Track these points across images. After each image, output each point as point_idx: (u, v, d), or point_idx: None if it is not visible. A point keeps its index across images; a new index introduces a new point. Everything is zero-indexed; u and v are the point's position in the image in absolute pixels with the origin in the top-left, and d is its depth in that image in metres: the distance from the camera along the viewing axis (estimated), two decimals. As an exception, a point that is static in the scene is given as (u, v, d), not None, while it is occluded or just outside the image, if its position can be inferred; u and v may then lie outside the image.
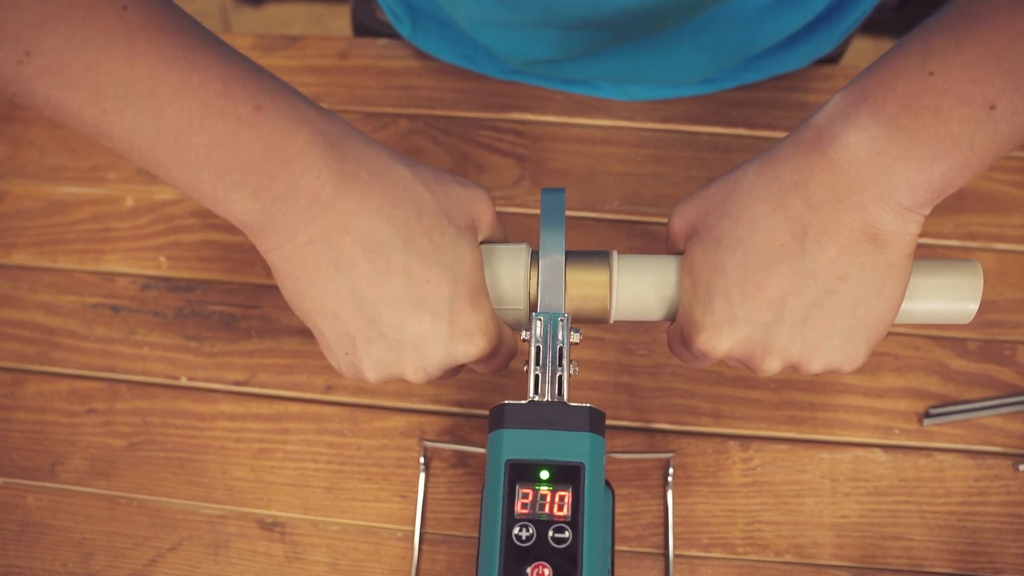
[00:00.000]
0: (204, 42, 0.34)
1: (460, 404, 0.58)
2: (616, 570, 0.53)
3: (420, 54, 0.70)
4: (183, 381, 0.60)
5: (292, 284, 0.37)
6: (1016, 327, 0.59)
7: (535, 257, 0.43)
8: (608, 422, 0.57)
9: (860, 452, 0.56)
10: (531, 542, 0.38)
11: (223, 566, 0.55)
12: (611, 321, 0.43)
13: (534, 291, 0.42)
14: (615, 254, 0.42)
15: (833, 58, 0.70)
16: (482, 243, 0.42)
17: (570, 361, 0.41)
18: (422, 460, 0.56)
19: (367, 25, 0.73)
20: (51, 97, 0.32)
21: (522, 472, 0.39)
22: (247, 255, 0.64)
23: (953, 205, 0.62)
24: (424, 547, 0.55)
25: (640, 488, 0.55)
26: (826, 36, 0.62)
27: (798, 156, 0.36)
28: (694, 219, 0.40)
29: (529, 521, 0.38)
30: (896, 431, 0.56)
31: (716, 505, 0.55)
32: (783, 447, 0.56)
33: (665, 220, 0.63)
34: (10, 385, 0.61)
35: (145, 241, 0.65)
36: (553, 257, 0.42)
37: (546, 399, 0.40)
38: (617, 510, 0.55)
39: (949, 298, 0.41)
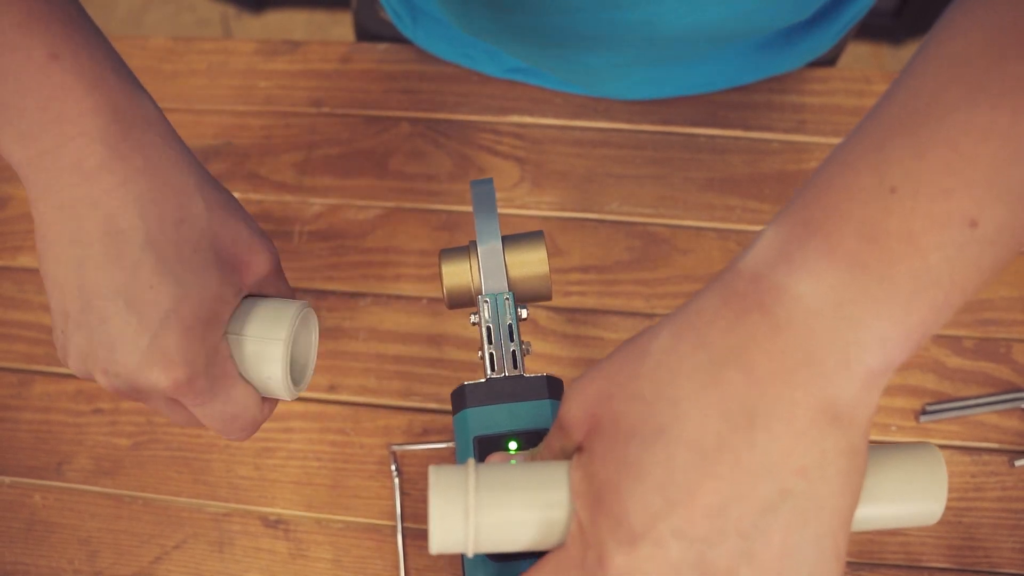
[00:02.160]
0: None
1: (461, 403, 0.59)
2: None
3: (421, 58, 0.70)
4: (187, 381, 0.61)
5: (39, 241, 0.35)
6: (1011, 325, 0.59)
7: (473, 247, 0.45)
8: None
9: (857, 449, 0.56)
10: None
11: (227, 563, 0.56)
12: (469, 555, 0.32)
13: (476, 278, 0.45)
14: (471, 464, 0.32)
15: (829, 60, 0.71)
16: (252, 296, 0.40)
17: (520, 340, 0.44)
18: (393, 467, 0.57)
19: (368, 27, 0.74)
20: None
21: (491, 446, 0.40)
22: (250, 257, 0.64)
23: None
24: (424, 543, 0.55)
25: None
26: (821, 36, 0.63)
27: (730, 315, 0.28)
28: (593, 406, 0.31)
29: None
30: (893, 428, 0.57)
31: (715, 501, 0.55)
32: (781, 444, 0.57)
33: (665, 221, 0.64)
34: (17, 386, 0.62)
35: (150, 243, 0.65)
36: (491, 244, 0.45)
37: (503, 375, 0.42)
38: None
39: (911, 498, 0.32)
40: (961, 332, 0.59)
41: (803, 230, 0.28)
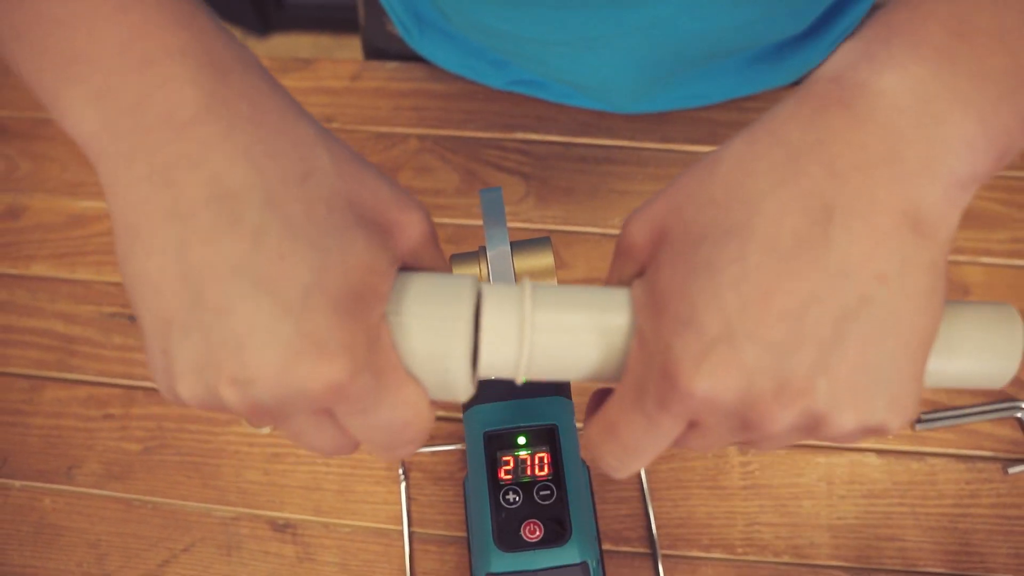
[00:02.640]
0: None
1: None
2: (614, 573, 0.55)
3: (429, 76, 0.72)
4: (198, 387, 0.62)
5: (121, 238, 0.27)
6: (1003, 337, 0.61)
7: (483, 251, 0.45)
8: (611, 427, 0.59)
9: (855, 456, 0.58)
10: (518, 504, 0.40)
11: (235, 566, 0.56)
12: (519, 382, 0.31)
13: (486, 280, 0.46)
14: (527, 283, 0.30)
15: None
16: (404, 269, 0.31)
17: None
18: (401, 472, 0.58)
19: (376, 42, 0.76)
20: None
21: (500, 441, 0.41)
22: (261, 267, 0.66)
23: (941, 221, 0.65)
24: (430, 547, 0.56)
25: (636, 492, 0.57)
26: (812, 51, 0.65)
27: (808, 112, 0.26)
28: (660, 220, 0.29)
29: (514, 486, 0.40)
30: (889, 436, 0.58)
31: (716, 507, 0.57)
32: (780, 452, 0.58)
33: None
34: (28, 391, 0.62)
35: (162, 253, 0.67)
36: (500, 248, 0.45)
37: None
38: (613, 513, 0.56)
39: (986, 355, 0.31)
40: (955, 344, 0.61)
41: (886, 30, 0.26)
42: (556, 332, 0.29)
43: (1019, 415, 0.58)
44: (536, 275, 0.47)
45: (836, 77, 0.27)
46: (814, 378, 0.25)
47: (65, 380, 0.63)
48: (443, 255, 0.33)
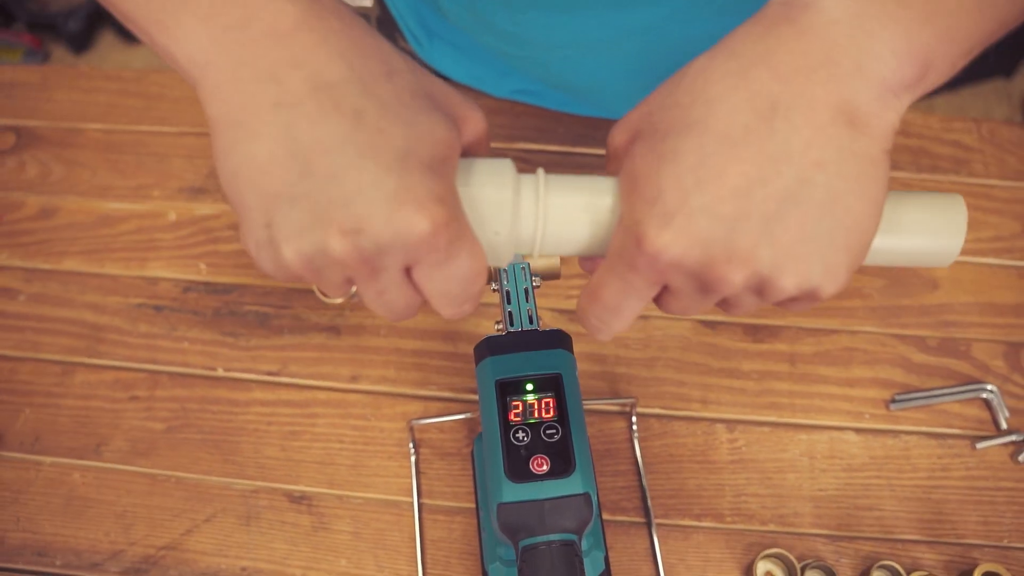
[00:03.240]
0: None
1: (475, 391, 0.64)
2: (612, 540, 0.58)
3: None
4: (220, 372, 0.66)
5: (225, 135, 0.31)
6: (969, 326, 0.66)
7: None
8: (605, 407, 0.63)
9: (835, 434, 0.62)
10: (527, 441, 0.44)
11: (254, 535, 0.60)
12: (535, 255, 0.37)
13: None
14: (541, 172, 0.36)
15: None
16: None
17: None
18: (411, 444, 0.62)
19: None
20: None
21: (510, 388, 0.46)
22: (279, 263, 0.70)
23: (911, 223, 0.70)
24: (438, 516, 0.60)
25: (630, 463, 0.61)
26: None
27: (760, 30, 0.32)
28: (636, 124, 0.35)
29: (523, 426, 0.45)
30: (866, 415, 0.63)
31: (706, 480, 0.61)
32: (765, 429, 0.62)
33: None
34: (60, 375, 0.66)
35: (186, 250, 0.71)
36: None
37: (520, 329, 0.48)
38: (610, 485, 0.60)
39: (931, 233, 0.36)
40: (925, 333, 0.66)
41: None
42: (560, 211, 0.35)
43: (984, 396, 0.62)
44: (544, 268, 0.51)
45: (786, 1, 0.32)
46: (759, 246, 0.31)
47: (94, 365, 0.67)
48: (489, 150, 0.38)
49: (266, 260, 0.33)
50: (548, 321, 0.67)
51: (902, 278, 0.68)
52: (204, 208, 0.73)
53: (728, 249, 0.31)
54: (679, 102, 0.32)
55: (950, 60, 0.31)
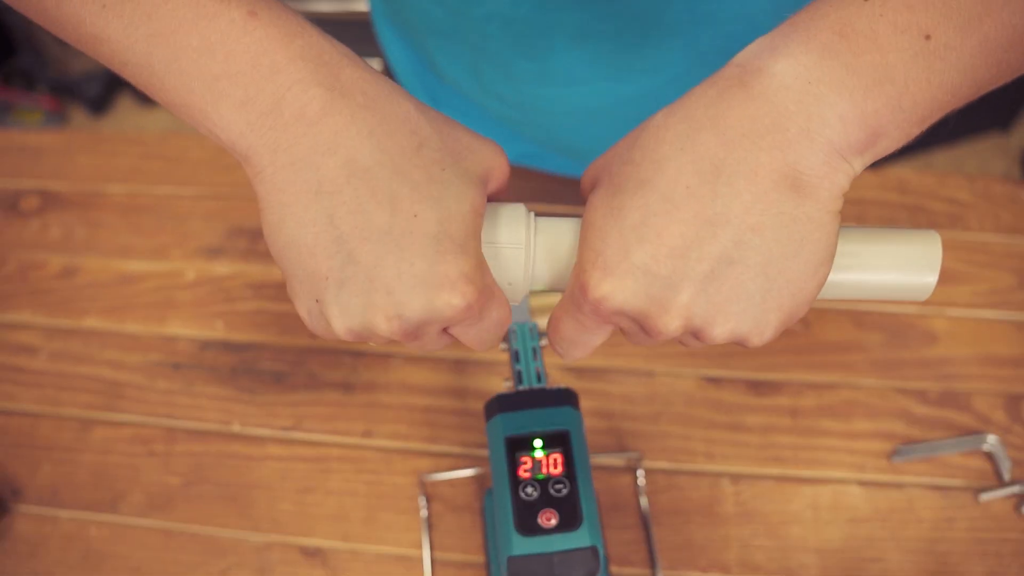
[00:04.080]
0: None
1: (485, 446, 0.66)
2: (625, 590, 0.59)
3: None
4: (235, 427, 0.67)
5: (271, 214, 0.34)
6: (969, 379, 0.67)
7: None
8: (612, 461, 0.64)
9: (838, 487, 0.63)
10: (536, 496, 0.45)
11: (268, 589, 0.61)
12: (528, 291, 0.40)
13: None
14: (531, 216, 0.39)
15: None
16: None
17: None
18: (422, 498, 0.63)
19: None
20: None
21: (519, 445, 0.47)
22: (295, 322, 0.72)
23: (909, 278, 0.72)
24: (449, 570, 0.61)
25: (635, 516, 0.62)
26: None
27: (714, 93, 0.33)
28: (598, 171, 0.37)
29: (532, 481, 0.46)
30: (869, 468, 0.64)
31: (712, 532, 0.61)
32: (769, 482, 0.63)
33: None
34: (78, 431, 0.68)
35: (204, 308, 0.73)
36: None
37: (529, 388, 0.50)
38: (618, 538, 0.61)
39: (904, 269, 0.37)
40: (926, 385, 0.67)
41: (788, 28, 0.32)
42: (542, 252, 0.38)
43: (986, 447, 0.63)
44: (548, 312, 0.54)
45: (741, 63, 0.33)
46: (692, 304, 0.33)
47: (112, 421, 0.68)
48: (507, 187, 0.41)
49: (317, 328, 0.36)
50: (556, 377, 0.68)
51: (901, 331, 0.70)
52: (221, 268, 0.76)
53: (663, 304, 0.33)
54: (632, 159, 0.34)
55: (902, 128, 0.32)
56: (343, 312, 0.34)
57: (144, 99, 2.07)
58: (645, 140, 0.34)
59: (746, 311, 0.33)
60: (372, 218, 0.33)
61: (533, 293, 0.54)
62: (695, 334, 0.34)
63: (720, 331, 0.34)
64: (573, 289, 0.36)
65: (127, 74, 0.35)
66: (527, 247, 0.38)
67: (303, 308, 0.35)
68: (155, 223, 0.79)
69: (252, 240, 0.77)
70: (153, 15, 0.33)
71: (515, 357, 0.52)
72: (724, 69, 0.33)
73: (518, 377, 0.51)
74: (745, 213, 0.32)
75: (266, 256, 0.76)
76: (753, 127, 0.31)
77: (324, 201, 0.33)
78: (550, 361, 0.69)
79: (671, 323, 0.33)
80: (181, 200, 0.80)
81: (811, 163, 0.31)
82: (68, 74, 2.04)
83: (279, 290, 0.74)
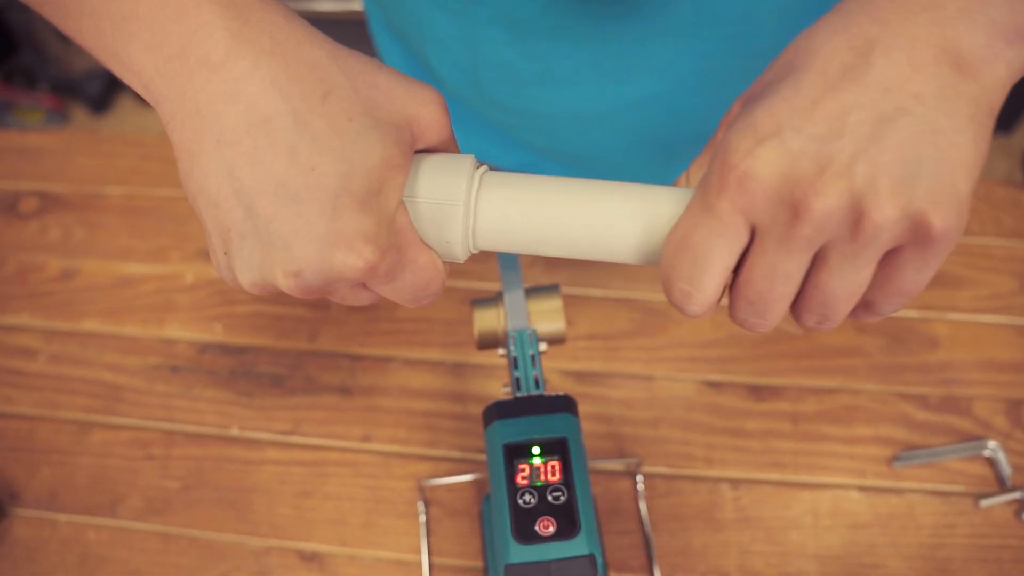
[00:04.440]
0: None
1: (484, 451, 0.66)
2: (623, 596, 0.59)
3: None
4: (234, 431, 0.67)
5: (181, 162, 0.33)
6: (970, 384, 0.67)
7: (500, 296, 0.53)
8: (611, 466, 0.64)
9: (838, 492, 0.63)
10: (534, 504, 0.45)
11: (266, 594, 0.61)
12: (471, 252, 0.37)
13: (503, 321, 0.53)
14: (477, 170, 0.37)
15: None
16: (422, 151, 0.37)
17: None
18: (420, 503, 0.63)
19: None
20: None
21: (517, 451, 0.47)
22: (293, 325, 0.72)
23: (910, 283, 0.72)
24: (446, 575, 0.61)
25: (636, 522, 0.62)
26: None
27: None
28: (746, 94, 0.35)
29: (530, 488, 0.46)
30: (869, 473, 0.63)
31: (711, 538, 0.61)
32: (769, 488, 0.63)
33: (661, 297, 0.72)
34: (77, 434, 0.68)
35: (203, 312, 0.73)
36: (515, 291, 0.53)
37: (527, 394, 0.50)
38: (617, 543, 0.61)
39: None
40: (926, 390, 0.67)
41: None
42: (489, 210, 0.36)
43: (986, 453, 0.63)
44: (546, 317, 0.54)
45: None
46: (853, 164, 0.29)
47: (111, 424, 0.68)
48: (453, 136, 0.38)
49: (227, 279, 0.35)
50: (555, 382, 0.68)
51: (902, 336, 0.70)
52: (220, 270, 0.75)
53: (819, 164, 0.29)
54: (784, 57, 0.32)
55: None
56: (244, 266, 0.33)
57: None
58: (796, 40, 0.32)
59: (916, 175, 0.29)
60: (270, 170, 0.31)
61: (532, 298, 0.55)
62: (856, 215, 0.29)
63: (889, 200, 0.28)
64: (709, 179, 0.32)
65: (46, 14, 0.34)
66: (466, 203, 0.35)
67: (214, 258, 0.35)
68: (154, 225, 0.79)
69: (251, 242, 0.77)
70: None
71: (513, 364, 0.51)
72: None
73: (516, 384, 0.51)
74: (905, 82, 0.29)
75: (265, 259, 0.76)
76: (907, 6, 0.30)
77: (225, 152, 0.32)
78: (549, 366, 0.69)
79: (828, 188, 0.28)
80: (180, 202, 0.80)
81: (971, 43, 0.29)
82: (69, 73, 2.03)
83: (277, 293, 0.74)
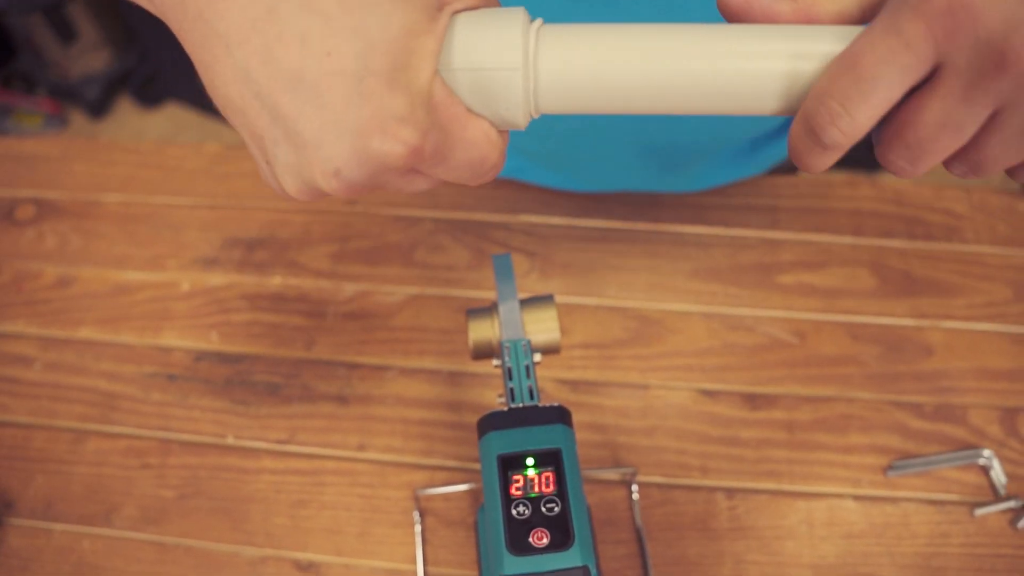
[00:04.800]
0: None
1: (479, 460, 0.66)
2: (619, 605, 0.59)
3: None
4: (230, 440, 0.67)
5: (201, 74, 0.31)
6: (965, 392, 0.67)
7: (494, 306, 0.53)
8: (606, 476, 0.64)
9: (833, 501, 0.63)
10: (528, 515, 0.45)
11: (261, 604, 0.61)
12: (532, 118, 0.34)
13: (497, 331, 0.53)
14: (532, 25, 0.32)
15: (791, 168, 0.81)
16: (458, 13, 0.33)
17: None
18: (416, 513, 0.63)
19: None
20: None
21: (511, 463, 0.47)
22: (289, 333, 0.72)
23: (906, 289, 0.72)
24: (445, 585, 0.61)
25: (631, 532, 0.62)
26: (781, 145, 0.74)
27: None
28: None
29: (524, 500, 0.46)
30: (864, 482, 0.63)
31: (706, 548, 0.61)
32: (764, 497, 0.63)
33: (656, 306, 0.72)
34: (72, 443, 0.68)
35: (199, 320, 0.73)
36: (510, 302, 0.53)
37: (521, 405, 0.50)
38: (612, 553, 0.61)
39: None
40: (921, 399, 0.67)
41: None
42: (549, 73, 0.32)
43: (981, 462, 0.63)
44: (541, 327, 0.54)
45: None
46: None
47: (107, 433, 0.68)
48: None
49: (276, 189, 0.33)
50: (550, 391, 0.68)
51: (897, 344, 0.70)
52: (216, 279, 0.75)
53: (1001, 50, 0.26)
54: None
55: None
56: (285, 171, 0.31)
57: (144, 102, 2.07)
58: None
59: None
60: (284, 65, 0.29)
61: (526, 308, 0.55)
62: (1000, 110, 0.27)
63: None
64: (901, 2, 0.27)
65: None
66: (524, 67, 0.31)
67: (260, 169, 0.33)
68: (151, 233, 0.79)
69: (247, 251, 0.77)
70: None
71: (507, 375, 0.51)
72: None
73: (511, 395, 0.51)
74: None
75: (261, 267, 0.76)
76: None
77: (236, 53, 0.29)
78: (544, 375, 0.69)
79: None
80: (177, 210, 0.80)
81: None
82: (68, 77, 2.04)
83: (274, 301, 0.74)
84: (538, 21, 0.33)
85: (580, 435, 0.66)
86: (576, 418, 0.67)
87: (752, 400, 0.67)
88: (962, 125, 0.28)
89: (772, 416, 0.67)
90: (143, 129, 2.06)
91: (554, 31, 0.32)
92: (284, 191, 0.33)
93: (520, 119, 0.33)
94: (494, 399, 0.68)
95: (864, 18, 0.32)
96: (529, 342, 0.52)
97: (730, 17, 0.33)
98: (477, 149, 0.32)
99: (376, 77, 0.29)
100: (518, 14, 0.31)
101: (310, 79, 0.29)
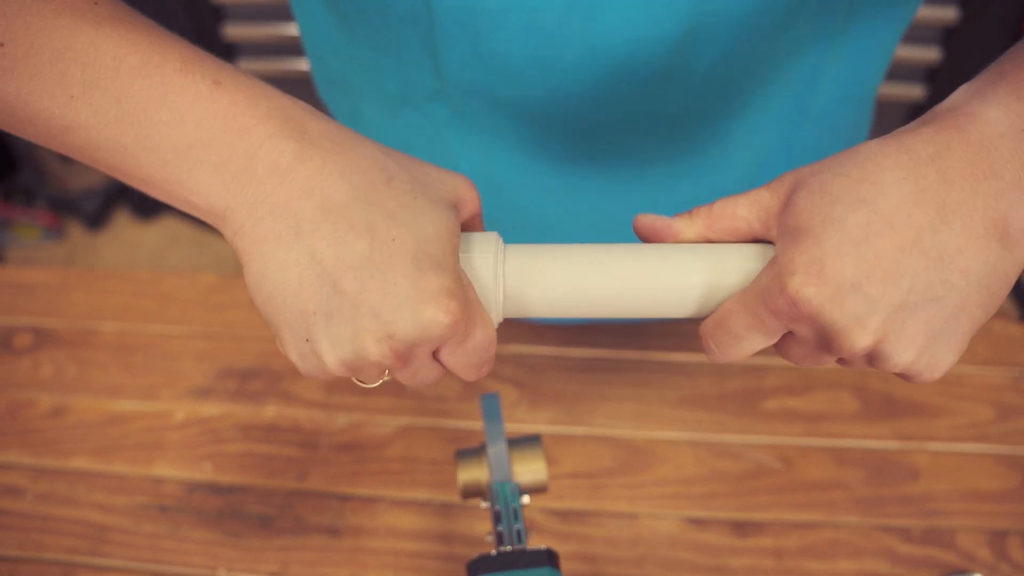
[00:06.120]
0: (165, 33, 0.36)
1: None
2: None
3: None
4: (221, 573, 0.67)
5: (254, 264, 0.35)
6: (953, 515, 0.68)
7: (483, 447, 0.54)
8: (600, 607, 0.64)
9: (825, 632, 0.63)
10: None
11: None
12: (500, 318, 0.42)
13: (486, 473, 0.54)
14: (500, 241, 0.42)
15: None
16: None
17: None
18: None
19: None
20: (21, 89, 0.34)
21: None
22: (282, 464, 0.73)
23: (889, 411, 0.73)
24: None
25: (631, 668, 0.62)
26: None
27: (931, 131, 0.34)
28: (803, 177, 0.37)
29: None
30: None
31: None
32: (757, 629, 0.63)
33: (644, 434, 0.73)
34: (62, 578, 0.68)
35: (192, 450, 0.74)
36: (498, 444, 0.54)
37: (510, 548, 0.50)
38: None
39: None
40: (909, 522, 0.67)
41: (995, 76, 0.35)
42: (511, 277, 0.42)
43: (970, 590, 0.63)
44: (528, 469, 0.54)
45: (953, 108, 0.35)
46: (890, 330, 0.34)
47: (96, 566, 0.68)
48: (481, 214, 0.43)
49: (311, 367, 0.37)
50: (539, 522, 0.69)
51: (883, 467, 0.71)
52: (210, 409, 0.76)
53: (862, 323, 0.34)
54: (848, 173, 0.35)
55: None
56: (333, 344, 0.35)
57: (141, 214, 2.11)
58: (863, 160, 0.35)
59: (932, 347, 0.34)
60: (353, 248, 0.34)
61: (514, 449, 0.55)
62: (874, 358, 0.35)
63: (901, 360, 0.35)
64: (767, 284, 0.36)
65: (99, 159, 0.36)
66: (494, 276, 0.40)
67: (294, 352, 0.36)
68: (146, 362, 0.80)
69: (242, 380, 0.78)
70: (122, 98, 0.34)
71: (496, 518, 0.52)
72: (934, 113, 0.36)
73: (499, 538, 0.51)
74: (958, 254, 0.33)
75: (255, 397, 0.77)
76: (971, 171, 0.33)
77: (305, 240, 0.34)
78: (533, 505, 0.69)
79: (861, 341, 0.34)
80: (172, 339, 0.82)
81: (1019, 215, 0.33)
82: (67, 190, 2.08)
83: (267, 432, 0.75)
84: (501, 239, 0.41)
85: (570, 567, 0.66)
86: (565, 549, 0.67)
87: (740, 528, 0.68)
88: (757, 341, 0.38)
89: (760, 543, 0.67)
90: (139, 241, 2.10)
91: (516, 251, 0.42)
92: (323, 365, 0.36)
93: (496, 314, 0.41)
94: (484, 532, 0.68)
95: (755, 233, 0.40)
96: (517, 485, 0.53)
97: (642, 239, 0.43)
98: (486, 333, 0.38)
99: (430, 259, 0.35)
100: (492, 235, 0.41)
101: (377, 259, 0.34)
